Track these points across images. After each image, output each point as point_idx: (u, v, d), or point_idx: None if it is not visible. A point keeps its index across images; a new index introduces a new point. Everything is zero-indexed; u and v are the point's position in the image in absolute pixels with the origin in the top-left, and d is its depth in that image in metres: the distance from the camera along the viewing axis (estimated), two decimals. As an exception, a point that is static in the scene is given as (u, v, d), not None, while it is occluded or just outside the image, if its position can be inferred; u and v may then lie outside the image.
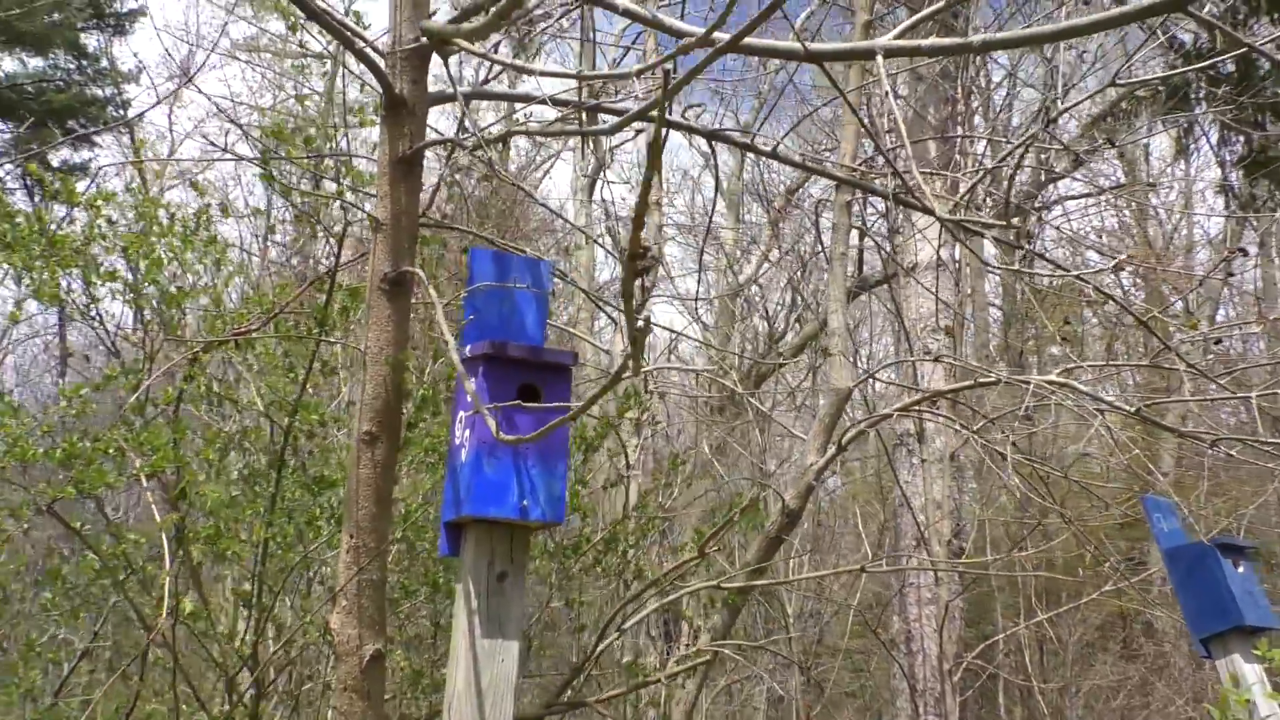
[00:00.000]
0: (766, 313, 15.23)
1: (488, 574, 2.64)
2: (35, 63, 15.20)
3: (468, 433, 2.64)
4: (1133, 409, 4.92)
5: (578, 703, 3.17)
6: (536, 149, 15.11)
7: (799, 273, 14.33)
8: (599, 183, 12.03)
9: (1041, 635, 10.14)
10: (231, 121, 3.47)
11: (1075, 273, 3.04)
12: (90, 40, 15.35)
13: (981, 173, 3.99)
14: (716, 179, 3.91)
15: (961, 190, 6.41)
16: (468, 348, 2.72)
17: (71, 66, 15.23)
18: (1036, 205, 11.53)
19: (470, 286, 2.85)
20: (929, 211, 4.70)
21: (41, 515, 2.79)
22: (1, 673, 3.39)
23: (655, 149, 1.60)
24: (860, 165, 6.36)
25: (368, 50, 3.05)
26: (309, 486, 3.41)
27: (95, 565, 2.82)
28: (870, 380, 7.81)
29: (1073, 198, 13.93)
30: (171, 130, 14.78)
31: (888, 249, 9.99)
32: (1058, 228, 10.98)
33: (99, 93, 15.43)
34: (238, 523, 3.08)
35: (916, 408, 5.91)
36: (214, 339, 3.29)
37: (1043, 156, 10.40)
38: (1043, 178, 9.78)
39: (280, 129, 3.27)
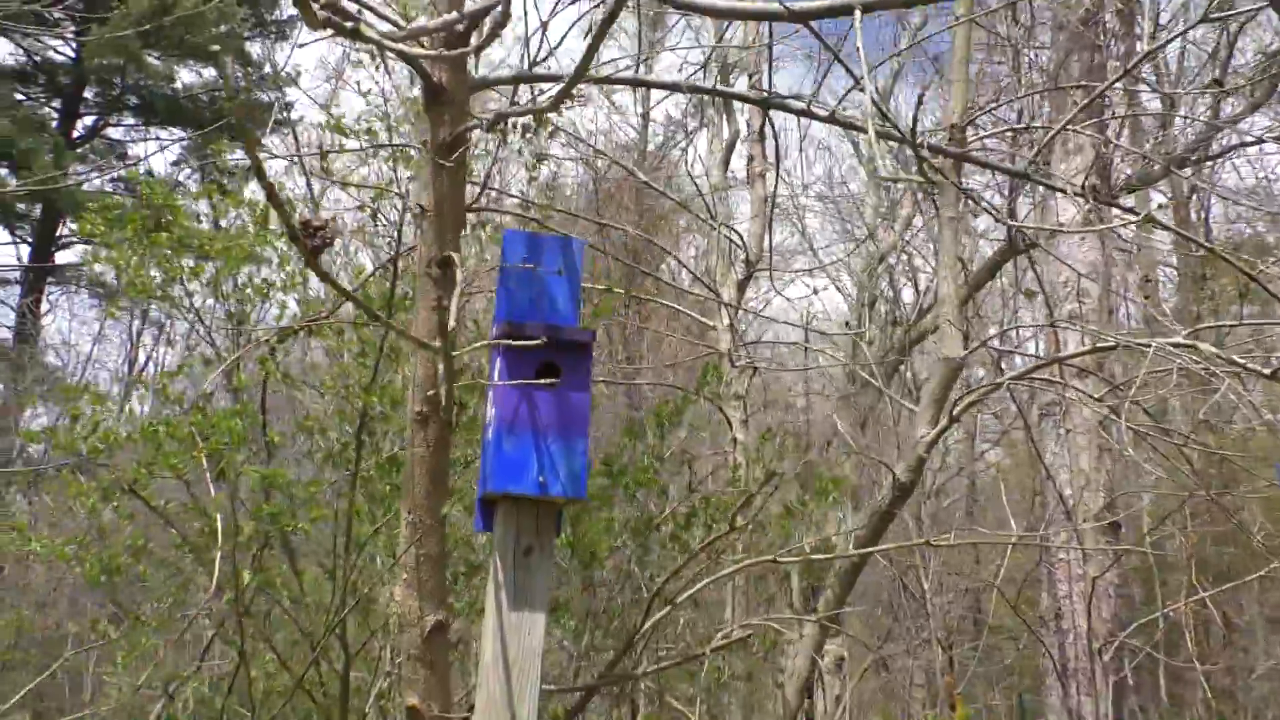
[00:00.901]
0: (915, 281, 14.80)
1: (514, 549, 2.70)
2: (208, 72, 16.30)
3: (492, 411, 2.71)
4: (1269, 371, 4.56)
5: (627, 675, 3.21)
6: (676, 127, 15.16)
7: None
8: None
9: (1208, 615, 9.52)
10: (333, 126, 3.62)
11: (1142, 215, 2.83)
12: (254, 48, 16.31)
13: (1056, 128, 3.74)
14: (777, 147, 3.83)
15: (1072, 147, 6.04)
16: (494, 328, 2.79)
17: (238, 74, 16.22)
18: (1209, 154, 10.71)
19: (501, 267, 2.91)
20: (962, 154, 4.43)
21: (125, 494, 3.04)
22: (124, 636, 3.70)
23: (247, 137, 1.58)
24: (964, 126, 6.09)
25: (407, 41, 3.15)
26: (381, 466, 3.58)
27: (176, 540, 3.07)
28: (985, 349, 7.46)
29: (1248, 144, 12.84)
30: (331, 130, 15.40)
31: (1021, 212, 9.52)
32: (1194, 180, 10.16)
33: (264, 97, 16.38)
34: (308, 502, 3.26)
35: (1032, 376, 5.65)
36: (286, 327, 3.47)
37: (1217, 100, 9.63)
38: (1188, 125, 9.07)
39: (339, 122, 3.42)
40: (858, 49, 1.87)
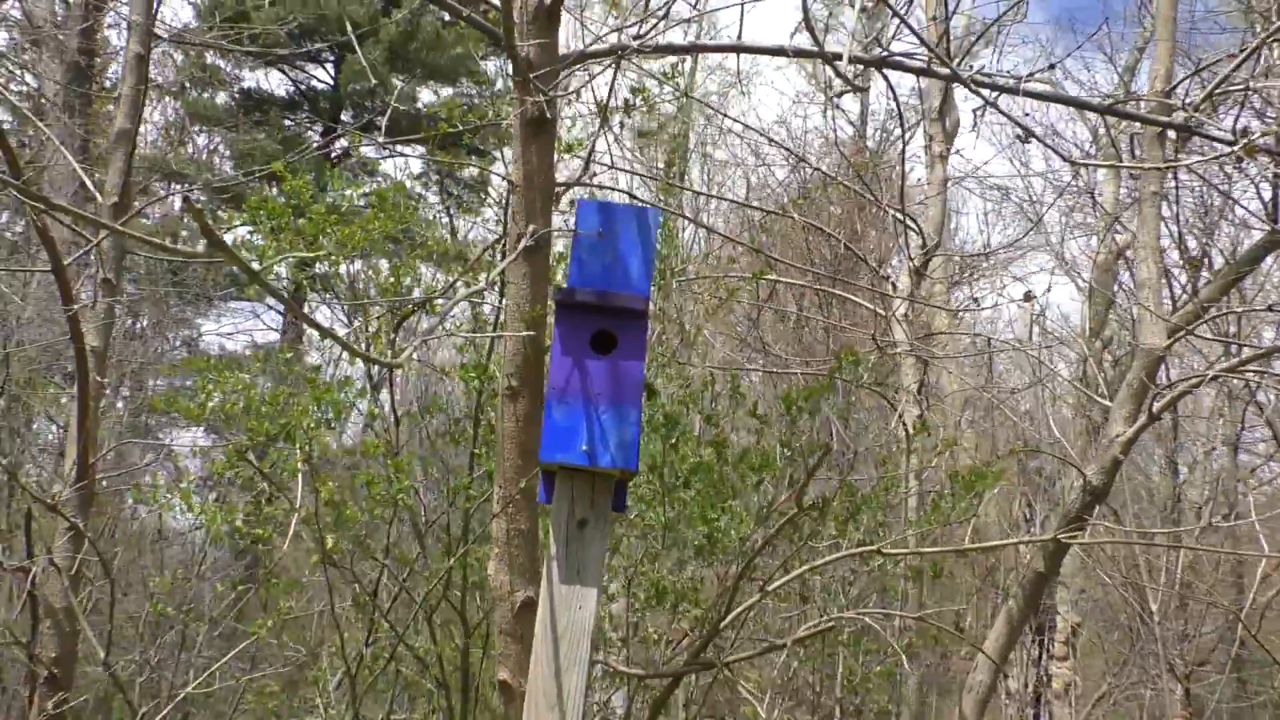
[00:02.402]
0: (1167, 277, 13.54)
1: (568, 521, 2.64)
2: (445, 91, 17.35)
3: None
4: None
5: (709, 663, 3.06)
6: (895, 120, 14.65)
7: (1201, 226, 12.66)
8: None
9: None
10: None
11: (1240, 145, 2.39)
12: (489, 66, 17.20)
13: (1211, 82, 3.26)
14: (899, 112, 3.56)
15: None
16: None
17: (474, 92, 17.17)
18: None
19: (575, 236, 2.86)
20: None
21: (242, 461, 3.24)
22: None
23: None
24: (1169, 91, 5.45)
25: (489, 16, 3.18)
26: (490, 442, 3.63)
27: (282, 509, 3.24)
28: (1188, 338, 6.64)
29: None
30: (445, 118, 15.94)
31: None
32: None
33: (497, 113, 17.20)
34: (406, 475, 3.36)
35: (1245, 369, 4.98)
36: (405, 308, 3.58)
37: None
38: None
39: (451, 105, 3.50)
40: None
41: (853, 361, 3.97)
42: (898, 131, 14.98)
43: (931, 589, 5.37)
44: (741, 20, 3.32)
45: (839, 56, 2.54)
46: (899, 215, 5.84)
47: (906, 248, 5.70)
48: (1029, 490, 9.83)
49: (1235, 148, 2.40)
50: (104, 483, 7.33)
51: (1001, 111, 2.81)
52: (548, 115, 3.24)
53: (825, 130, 12.14)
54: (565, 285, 2.83)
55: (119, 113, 5.31)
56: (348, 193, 4.01)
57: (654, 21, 3.43)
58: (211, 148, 19.15)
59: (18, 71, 14.66)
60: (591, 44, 3.16)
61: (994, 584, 8.81)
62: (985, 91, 2.87)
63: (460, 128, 3.68)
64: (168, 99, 18.05)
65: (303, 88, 18.23)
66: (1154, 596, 8.13)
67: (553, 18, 3.24)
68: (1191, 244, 14.14)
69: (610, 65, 3.25)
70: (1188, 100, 4.40)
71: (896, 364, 5.86)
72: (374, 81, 16.72)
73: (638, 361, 2.62)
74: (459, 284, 3.55)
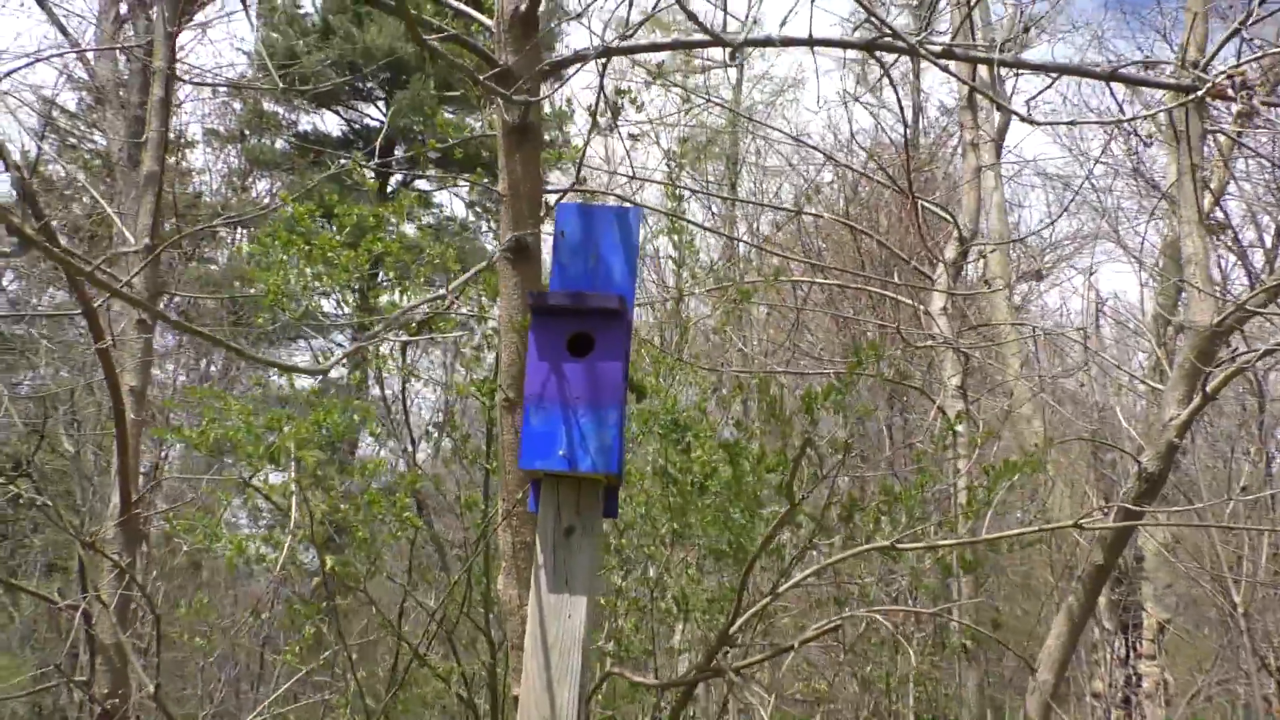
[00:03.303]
0: (1243, 260, 13.02)
1: (554, 529, 2.58)
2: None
3: (532, 388, 2.62)
4: None
5: (716, 670, 2.97)
6: (948, 118, 14.38)
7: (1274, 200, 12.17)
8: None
9: None
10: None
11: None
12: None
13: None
14: (898, 97, 3.42)
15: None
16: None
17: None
18: None
19: (555, 241, 2.82)
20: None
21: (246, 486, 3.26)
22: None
23: None
24: (1206, 59, 5.20)
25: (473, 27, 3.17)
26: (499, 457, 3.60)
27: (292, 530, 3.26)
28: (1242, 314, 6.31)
29: None
30: (608, 160, 16.04)
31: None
32: None
33: (547, 136, 17.34)
34: (407, 493, 3.34)
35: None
36: (405, 321, 3.57)
37: None
38: None
39: (441, 119, 3.50)
40: None
41: (873, 357, 3.85)
42: (948, 127, 14.75)
43: (996, 586, 5.16)
44: (726, 11, 3.26)
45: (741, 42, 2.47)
46: (924, 204, 5.69)
47: (921, 235, 5.52)
48: (1101, 485, 9.49)
49: (1198, 92, 2.25)
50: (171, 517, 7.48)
51: (965, 81, 2.69)
52: (526, 122, 3.21)
53: (870, 129, 11.95)
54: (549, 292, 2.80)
55: (146, 157, 5.44)
56: (354, 210, 4.02)
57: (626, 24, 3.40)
58: (273, 191, 19.67)
59: (85, 129, 15.23)
60: (556, 29, 3.12)
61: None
62: (947, 63, 2.75)
63: (450, 142, 3.69)
64: (228, 146, 18.61)
65: (356, 126, 18.64)
66: (1237, 589, 7.76)
67: (529, 25, 3.22)
68: (1265, 220, 13.63)
69: (584, 69, 3.21)
70: (1215, 70, 4.19)
71: (935, 358, 5.68)
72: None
73: (617, 363, 2.55)
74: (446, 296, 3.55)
